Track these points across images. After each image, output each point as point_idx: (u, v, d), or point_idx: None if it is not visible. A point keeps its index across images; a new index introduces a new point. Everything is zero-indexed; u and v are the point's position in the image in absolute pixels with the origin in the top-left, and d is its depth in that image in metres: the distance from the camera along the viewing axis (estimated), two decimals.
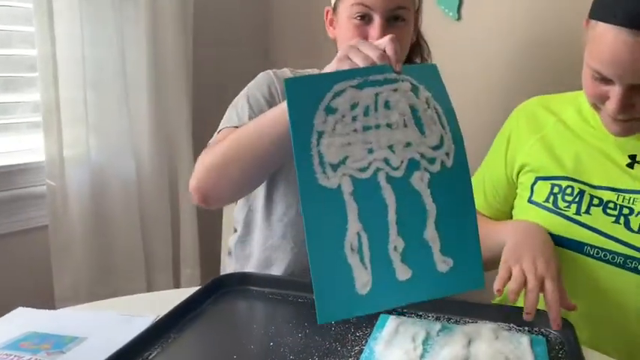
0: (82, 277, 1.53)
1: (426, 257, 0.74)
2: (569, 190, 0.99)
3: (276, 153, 0.93)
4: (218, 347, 0.84)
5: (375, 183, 0.72)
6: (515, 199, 1.11)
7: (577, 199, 0.98)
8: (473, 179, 1.16)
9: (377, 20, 1.03)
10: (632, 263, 0.92)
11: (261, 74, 1.16)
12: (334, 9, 1.11)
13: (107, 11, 1.50)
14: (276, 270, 1.15)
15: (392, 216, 0.72)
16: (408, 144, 0.74)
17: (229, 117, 1.11)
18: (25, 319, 0.91)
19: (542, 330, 0.89)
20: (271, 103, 1.10)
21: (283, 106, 0.86)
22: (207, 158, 0.98)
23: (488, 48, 1.55)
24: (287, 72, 1.17)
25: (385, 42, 0.80)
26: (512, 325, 0.90)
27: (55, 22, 1.41)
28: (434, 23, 1.63)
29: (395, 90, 0.75)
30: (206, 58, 1.81)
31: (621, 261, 0.93)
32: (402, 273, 0.73)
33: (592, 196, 0.97)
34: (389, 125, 0.74)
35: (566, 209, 0.98)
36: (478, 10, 1.54)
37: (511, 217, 1.12)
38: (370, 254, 0.71)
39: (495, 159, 1.14)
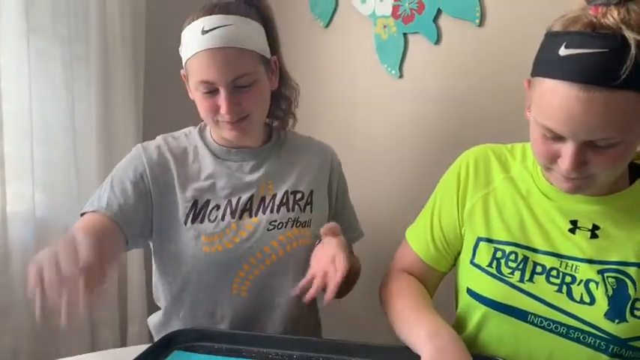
0: (23, 338, 1.47)
1: None
2: (512, 257, 0.96)
3: None
4: None
5: None
6: (459, 249, 1.07)
7: (521, 266, 0.95)
8: (417, 224, 1.13)
9: (222, 93, 1.06)
10: (574, 334, 0.90)
11: (132, 151, 1.17)
12: (185, 76, 1.13)
13: (57, 68, 1.50)
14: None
15: None
16: None
17: (93, 198, 1.12)
18: None
19: None
20: (137, 183, 1.11)
21: None
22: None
23: (427, 105, 1.62)
24: (159, 140, 1.18)
25: None
26: None
27: (2, 76, 1.40)
28: (376, 80, 1.72)
29: None
30: (157, 115, 1.82)
31: (564, 331, 0.91)
32: None
33: (535, 263, 0.95)
34: None
35: (509, 276, 0.95)
36: (418, 67, 1.62)
37: (451, 269, 1.10)
38: None
39: (446, 202, 1.07)
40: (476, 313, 1.00)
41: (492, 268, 0.97)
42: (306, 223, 1.18)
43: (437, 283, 1.13)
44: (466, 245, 1.04)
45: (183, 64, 1.12)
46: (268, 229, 1.13)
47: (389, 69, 1.67)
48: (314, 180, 1.22)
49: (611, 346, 0.88)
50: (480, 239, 1.01)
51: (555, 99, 0.80)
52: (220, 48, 1.05)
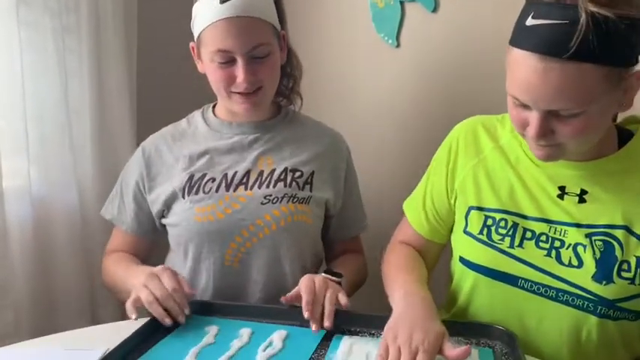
0: (23, 313, 1.47)
1: None
2: (502, 223, 0.99)
3: None
4: None
5: None
6: (453, 221, 1.10)
7: (510, 232, 0.98)
8: (412, 197, 1.17)
9: (240, 62, 1.07)
10: (563, 296, 0.93)
11: (136, 153, 1.24)
12: (197, 46, 1.14)
13: (48, 41, 1.48)
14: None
15: None
16: None
17: (108, 205, 1.27)
18: None
19: (488, 343, 0.92)
20: (137, 189, 1.21)
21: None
22: (103, 276, 1.24)
23: (426, 74, 1.60)
24: (159, 133, 1.24)
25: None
26: (460, 339, 0.93)
27: None
28: (373, 50, 1.69)
29: None
30: (150, 87, 1.80)
31: (553, 294, 0.93)
32: None
33: (525, 229, 0.97)
34: None
35: (499, 242, 0.98)
36: (416, 36, 1.60)
37: (448, 239, 1.12)
38: None
39: (437, 176, 1.11)
40: (468, 280, 1.03)
41: (483, 235, 1.00)
42: (304, 200, 1.17)
43: (436, 254, 1.16)
44: (459, 215, 1.06)
45: (196, 36, 1.12)
46: (262, 203, 1.13)
47: (386, 38, 1.64)
48: (317, 163, 1.21)
49: (599, 307, 0.90)
50: (471, 208, 1.03)
51: (518, 68, 0.83)
52: (239, 17, 1.06)
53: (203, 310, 1.02)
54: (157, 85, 1.83)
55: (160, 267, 1.00)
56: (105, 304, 1.65)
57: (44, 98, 1.49)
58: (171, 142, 1.21)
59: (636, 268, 0.89)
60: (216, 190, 1.14)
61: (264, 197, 1.14)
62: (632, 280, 0.89)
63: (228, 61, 1.07)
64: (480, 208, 1.02)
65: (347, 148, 1.30)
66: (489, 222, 1.00)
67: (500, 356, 0.88)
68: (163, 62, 1.83)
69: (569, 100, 0.80)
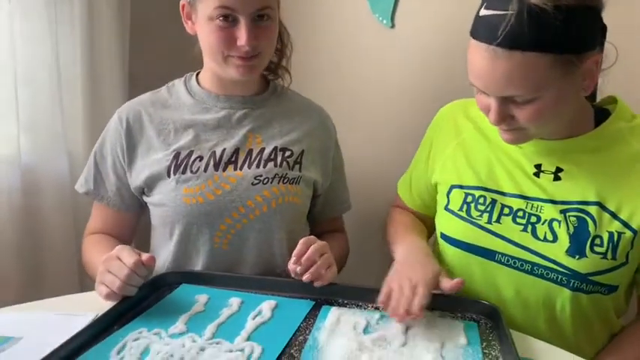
0: (11, 280, 1.47)
1: None
2: (481, 200, 1.02)
3: None
4: None
5: None
6: (434, 200, 1.14)
7: (489, 209, 1.01)
8: (404, 176, 1.24)
9: (243, 22, 1.01)
10: (538, 270, 0.96)
11: (110, 121, 1.17)
12: (191, 4, 1.07)
13: (40, 8, 1.46)
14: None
15: None
16: None
17: (82, 179, 1.20)
18: None
19: (473, 317, 0.94)
20: (115, 160, 1.15)
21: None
22: (83, 255, 1.19)
23: (420, 54, 1.61)
24: (137, 100, 1.18)
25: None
26: (446, 313, 0.95)
27: None
28: (367, 30, 1.69)
29: None
30: (143, 54, 1.78)
31: (529, 268, 0.97)
32: None
33: (503, 205, 1.01)
34: None
35: (478, 218, 1.01)
36: (411, 16, 1.59)
37: (435, 213, 1.16)
38: None
39: (419, 162, 1.18)
40: (448, 256, 1.07)
41: (463, 211, 1.04)
42: (295, 180, 1.14)
43: (431, 223, 1.20)
44: (441, 194, 1.11)
45: None
46: (253, 184, 1.10)
47: (380, 18, 1.64)
48: (306, 142, 1.19)
49: (572, 281, 0.94)
50: (452, 187, 1.08)
51: (471, 57, 0.88)
52: None
53: (193, 280, 1.03)
54: (150, 51, 1.81)
55: (117, 247, 0.95)
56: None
57: (35, 65, 1.47)
58: (152, 111, 1.14)
59: (608, 243, 0.93)
60: (205, 170, 1.10)
61: (255, 178, 1.11)
62: (604, 255, 0.93)
63: (229, 20, 1.02)
64: (460, 187, 1.06)
65: (334, 127, 1.28)
66: (469, 199, 1.04)
67: (484, 330, 0.90)
68: (156, 28, 1.81)
69: (519, 87, 0.84)
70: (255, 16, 1.03)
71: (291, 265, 0.96)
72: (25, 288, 1.51)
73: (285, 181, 1.13)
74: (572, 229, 0.94)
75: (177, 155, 1.10)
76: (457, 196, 1.06)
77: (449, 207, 1.07)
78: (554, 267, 0.94)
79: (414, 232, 1.13)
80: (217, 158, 1.11)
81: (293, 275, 0.97)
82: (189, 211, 1.08)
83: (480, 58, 0.85)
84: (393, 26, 1.63)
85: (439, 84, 1.57)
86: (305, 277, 0.95)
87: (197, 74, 1.20)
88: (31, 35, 1.45)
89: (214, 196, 1.08)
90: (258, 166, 1.12)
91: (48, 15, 1.47)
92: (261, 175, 1.11)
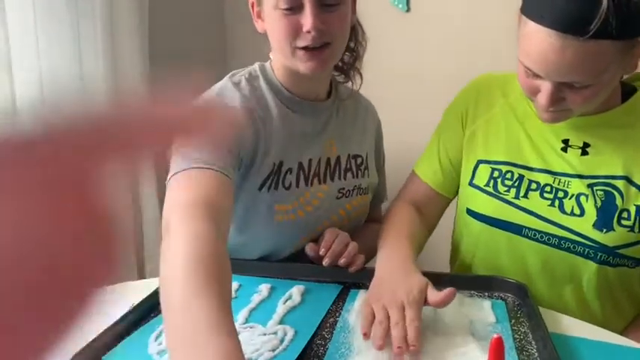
0: None
1: None
2: (508, 175, 1.03)
3: None
4: None
5: None
6: (456, 173, 1.13)
7: (516, 184, 1.01)
8: (423, 156, 1.18)
9: (308, 7, 0.92)
10: (565, 244, 0.97)
11: (225, 87, 1.01)
12: (259, 2, 1.00)
13: (61, 4, 1.48)
14: None
15: None
16: None
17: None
18: None
19: (500, 295, 0.95)
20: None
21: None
22: (164, 266, 0.72)
23: (436, 38, 1.61)
24: (237, 86, 1.01)
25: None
26: (473, 292, 0.96)
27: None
28: (383, 15, 1.69)
29: None
30: (163, 49, 1.81)
31: (556, 242, 0.98)
32: None
33: (530, 181, 1.01)
34: None
35: (505, 193, 1.02)
36: (426, 1, 1.59)
37: (454, 197, 1.16)
38: None
39: (452, 131, 1.13)
40: (473, 232, 1.08)
41: (489, 187, 1.04)
42: (366, 190, 1.14)
43: (440, 209, 1.19)
44: (466, 168, 1.10)
45: None
46: (337, 197, 1.08)
47: (396, 3, 1.64)
48: (367, 142, 1.17)
49: (599, 254, 0.95)
50: (479, 161, 1.07)
51: (533, 41, 0.84)
52: None
53: None
54: (170, 48, 1.84)
55: None
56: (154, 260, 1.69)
57: (59, 65, 1.50)
58: (254, 108, 1.01)
59: (636, 216, 0.93)
60: (297, 185, 1.03)
61: (338, 191, 1.08)
62: (631, 228, 0.94)
63: (293, 6, 0.92)
64: (487, 162, 1.06)
65: (379, 120, 1.24)
66: (496, 174, 1.04)
67: (512, 307, 0.91)
68: (176, 22, 1.83)
69: (585, 74, 0.83)
70: (323, 3, 0.93)
71: (321, 253, 0.98)
72: None
73: (361, 191, 1.12)
74: (599, 203, 0.95)
75: (272, 166, 1.00)
76: (483, 172, 1.06)
77: (474, 182, 1.07)
78: (582, 240, 0.95)
79: (402, 236, 1.01)
80: (305, 171, 1.05)
81: (324, 263, 0.98)
82: (279, 228, 1.03)
83: (546, 44, 0.82)
84: (408, 10, 1.63)
85: (456, 65, 1.57)
86: (342, 262, 0.96)
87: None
88: (53, 35, 1.48)
89: (305, 213, 1.04)
90: (339, 178, 1.09)
91: (69, 10, 1.50)
92: (343, 188, 1.09)
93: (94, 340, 0.76)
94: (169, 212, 0.80)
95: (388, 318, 0.77)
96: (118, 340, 0.80)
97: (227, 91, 1.01)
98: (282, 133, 1.02)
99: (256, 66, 1.07)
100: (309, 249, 1.02)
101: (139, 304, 0.89)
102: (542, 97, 0.88)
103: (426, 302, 0.81)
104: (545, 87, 0.87)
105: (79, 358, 0.71)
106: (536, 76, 0.88)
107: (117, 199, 0.20)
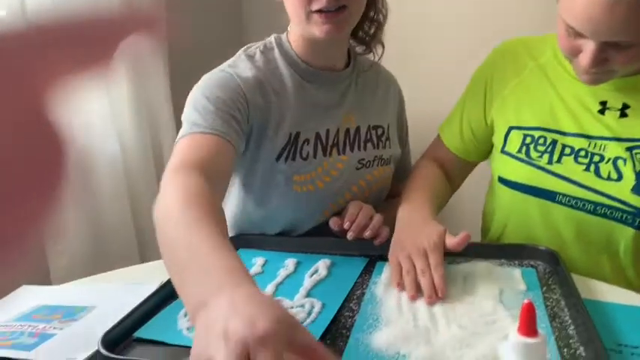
0: (76, 259, 1.54)
1: None
2: (541, 141, 1.00)
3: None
4: None
5: None
6: (489, 143, 1.11)
7: (549, 149, 0.98)
8: (448, 119, 1.17)
9: None
10: (601, 210, 0.94)
11: (238, 59, 1.02)
12: None
13: None
14: None
15: None
16: None
17: (192, 119, 0.92)
18: (31, 295, 0.93)
19: (530, 263, 0.94)
20: (243, 104, 0.95)
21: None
22: (157, 210, 0.73)
23: (455, 17, 1.57)
24: (248, 60, 1.01)
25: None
26: (502, 260, 0.94)
27: None
28: None
29: None
30: (182, 25, 1.80)
31: (592, 208, 0.95)
32: None
33: (564, 146, 0.98)
34: None
35: (538, 159, 0.99)
36: None
37: (483, 157, 1.14)
38: None
39: (474, 98, 1.11)
40: (506, 199, 1.05)
41: (522, 153, 1.01)
42: (387, 161, 1.12)
43: (466, 171, 1.18)
44: (498, 136, 1.07)
45: None
46: (357, 168, 1.07)
47: None
48: (389, 113, 1.15)
49: (638, 219, 0.92)
50: (511, 128, 1.04)
51: (579, 0, 0.81)
52: None
53: (248, 244, 1.05)
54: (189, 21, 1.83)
55: (251, 336, 0.47)
56: (152, 247, 1.71)
57: None
58: (266, 82, 1.00)
59: None
60: (314, 156, 1.02)
61: (358, 162, 1.07)
62: None
63: None
64: (519, 128, 1.03)
65: (401, 91, 1.21)
66: (528, 140, 1.01)
67: (543, 275, 0.89)
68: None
69: (633, 33, 0.80)
70: None
71: (345, 226, 0.97)
72: (89, 266, 1.57)
73: (382, 162, 1.10)
74: (638, 167, 0.92)
75: (289, 137, 1.00)
76: (515, 138, 1.03)
77: (506, 149, 1.04)
78: (619, 205, 0.92)
79: (426, 190, 1.04)
80: (323, 141, 1.04)
81: (348, 237, 0.98)
82: (297, 199, 1.02)
83: (595, 3, 0.79)
84: None
85: (484, 31, 1.53)
86: (367, 234, 0.96)
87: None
88: None
89: (324, 183, 1.03)
90: (359, 149, 1.08)
91: None
92: (363, 159, 1.08)
93: (125, 318, 0.77)
94: (166, 172, 0.81)
95: (414, 267, 0.83)
96: (149, 317, 0.81)
97: (240, 62, 1.01)
98: (297, 104, 1.01)
99: (272, 38, 1.07)
100: (333, 223, 1.01)
101: (167, 282, 0.90)
102: (585, 58, 0.85)
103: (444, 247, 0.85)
104: (589, 47, 0.84)
105: (111, 334, 0.73)
106: (579, 35, 0.84)
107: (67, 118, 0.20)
